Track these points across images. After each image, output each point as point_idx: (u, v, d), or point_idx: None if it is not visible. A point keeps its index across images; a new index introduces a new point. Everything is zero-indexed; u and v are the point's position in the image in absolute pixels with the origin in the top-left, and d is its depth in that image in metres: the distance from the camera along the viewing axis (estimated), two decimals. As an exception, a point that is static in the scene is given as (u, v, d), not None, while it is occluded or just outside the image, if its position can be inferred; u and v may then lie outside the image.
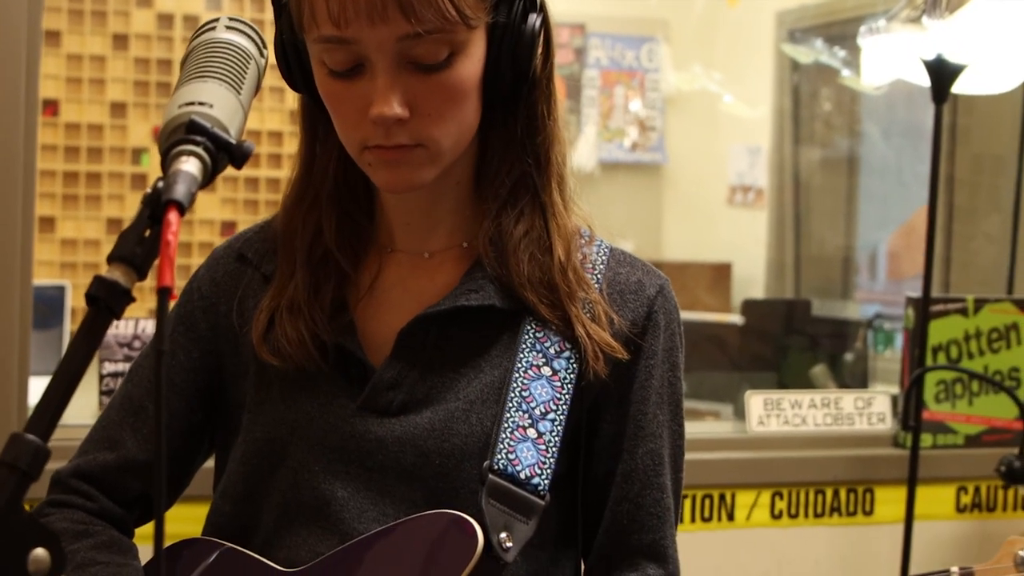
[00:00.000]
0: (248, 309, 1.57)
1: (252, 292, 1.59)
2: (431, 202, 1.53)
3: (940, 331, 3.22)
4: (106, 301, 1.06)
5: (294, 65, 1.49)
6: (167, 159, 1.11)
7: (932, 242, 3.05)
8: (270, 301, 1.54)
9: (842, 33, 5.47)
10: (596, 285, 1.54)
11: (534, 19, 1.46)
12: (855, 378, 4.02)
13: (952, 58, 2.99)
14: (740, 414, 3.39)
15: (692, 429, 3.35)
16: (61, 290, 3.68)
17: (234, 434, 1.58)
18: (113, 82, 5.02)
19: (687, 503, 3.00)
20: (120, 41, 5.02)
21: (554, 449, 1.47)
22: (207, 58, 1.25)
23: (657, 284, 1.58)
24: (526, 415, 1.47)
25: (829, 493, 3.12)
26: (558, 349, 1.50)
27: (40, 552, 1.01)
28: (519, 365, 1.49)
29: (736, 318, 4.46)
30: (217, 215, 5.00)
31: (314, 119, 1.54)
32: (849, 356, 4.22)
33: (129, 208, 4.99)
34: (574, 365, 1.50)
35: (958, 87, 3.03)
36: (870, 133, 5.68)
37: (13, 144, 2.60)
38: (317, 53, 1.42)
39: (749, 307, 3.78)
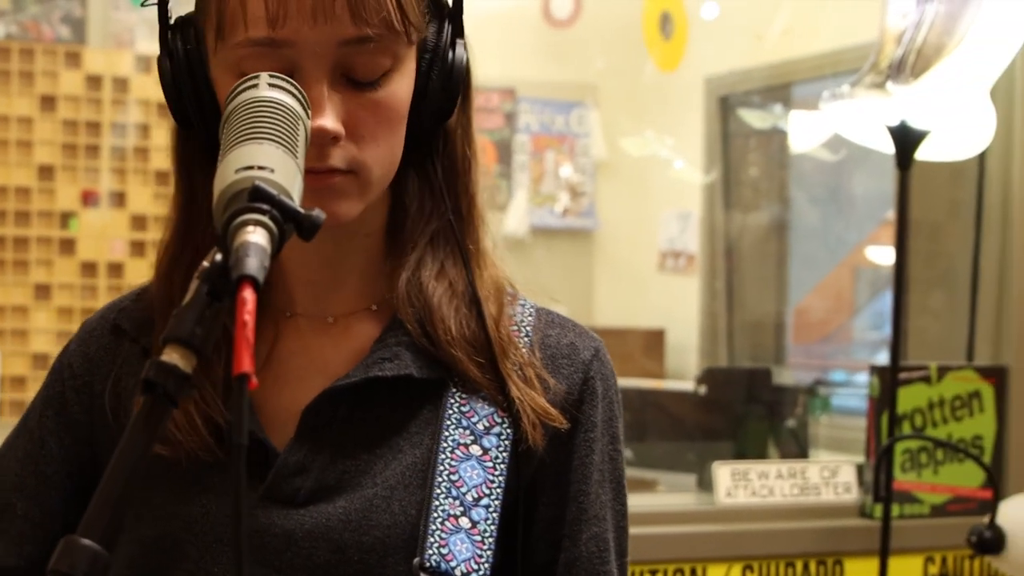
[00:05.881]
0: (126, 389, 1.38)
1: (130, 369, 1.39)
2: (338, 256, 1.36)
3: (904, 399, 3.19)
4: (164, 387, 0.95)
5: (188, 91, 1.30)
6: (228, 230, 0.99)
7: (900, 310, 3.02)
8: None
9: (773, 99, 5.49)
10: (525, 348, 1.38)
11: (462, 49, 1.34)
12: (797, 446, 3.99)
13: (916, 124, 2.97)
14: (703, 484, 3.34)
15: (659, 501, 3.31)
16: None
17: (116, 532, 1.35)
18: (41, 144, 4.91)
19: (658, 579, 2.94)
20: (48, 103, 4.92)
21: (490, 540, 1.29)
22: (256, 118, 1.11)
23: (592, 347, 1.42)
24: (457, 502, 1.29)
25: (799, 566, 3.07)
26: (487, 424, 1.33)
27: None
28: (444, 444, 1.31)
29: (683, 384, 4.42)
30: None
31: (192, 162, 1.36)
32: (791, 422, 4.19)
33: (58, 274, 4.89)
34: (505, 443, 1.33)
35: (921, 153, 3.02)
36: (798, 199, 5.71)
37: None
38: (235, 63, 1.25)
39: (710, 376, 3.74)
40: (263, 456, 1.31)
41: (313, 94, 1.22)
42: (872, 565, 3.05)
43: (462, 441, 1.32)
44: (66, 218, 4.92)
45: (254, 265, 0.95)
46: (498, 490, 1.31)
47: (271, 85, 1.15)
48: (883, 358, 6.97)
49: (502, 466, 1.32)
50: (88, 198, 4.91)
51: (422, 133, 1.34)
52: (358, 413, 1.33)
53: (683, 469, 3.63)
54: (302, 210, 1.02)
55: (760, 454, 3.59)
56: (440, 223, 1.37)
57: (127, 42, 4.95)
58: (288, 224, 1.01)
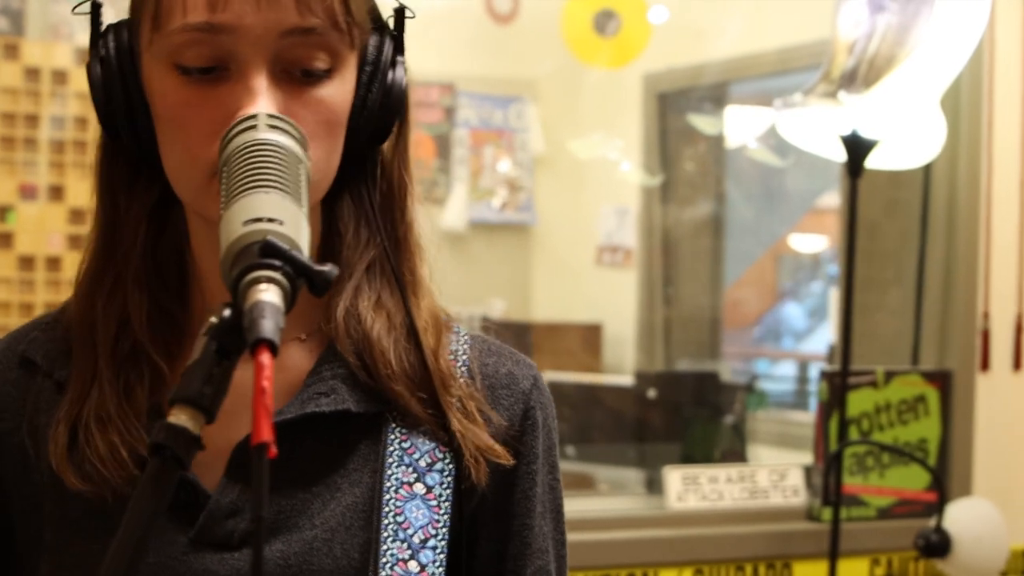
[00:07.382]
0: (42, 427, 1.26)
1: (46, 406, 1.27)
2: None
3: (852, 404, 3.22)
4: (174, 450, 0.93)
5: (118, 96, 1.22)
6: (239, 287, 0.96)
7: (849, 316, 3.05)
8: (69, 411, 1.23)
9: (711, 96, 5.52)
10: (464, 379, 1.31)
11: (401, 71, 1.27)
12: (738, 443, 4.02)
13: (867, 133, 3.00)
14: (653, 488, 3.37)
15: (609, 505, 3.32)
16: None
17: None
18: (-23, 136, 4.84)
19: (611, 583, 2.95)
20: (-15, 95, 4.85)
21: None
22: (259, 164, 1.06)
23: (530, 375, 1.35)
24: (404, 545, 1.23)
25: (749, 569, 3.10)
26: (429, 461, 1.26)
27: None
28: (388, 484, 1.25)
29: (621, 378, 4.44)
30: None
31: (116, 174, 1.27)
32: (730, 419, 4.22)
33: (-2, 267, 4.83)
34: (448, 479, 1.26)
35: (871, 162, 3.05)
36: (733, 195, 5.75)
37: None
38: (171, 52, 1.17)
39: (659, 379, 3.76)
40: (193, 497, 1.23)
41: (251, 83, 1.16)
42: (820, 568, 3.08)
43: (405, 480, 1.26)
44: (3, 212, 4.85)
45: (270, 328, 0.92)
46: (444, 530, 1.25)
47: (270, 127, 1.11)
48: (809, 346, 7.05)
49: (446, 504, 1.26)
50: (26, 191, 4.85)
51: (358, 153, 1.27)
52: (293, 450, 1.24)
53: (623, 464, 3.65)
54: (315, 266, 0.99)
55: (707, 456, 3.62)
56: (376, 251, 1.30)
57: (65, 34, 4.88)
58: (300, 279, 0.98)
